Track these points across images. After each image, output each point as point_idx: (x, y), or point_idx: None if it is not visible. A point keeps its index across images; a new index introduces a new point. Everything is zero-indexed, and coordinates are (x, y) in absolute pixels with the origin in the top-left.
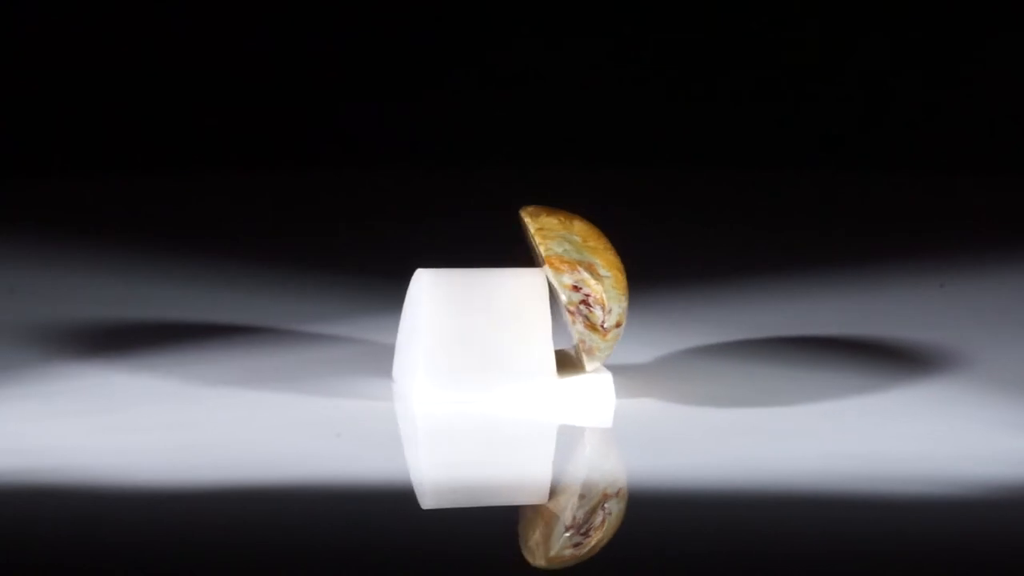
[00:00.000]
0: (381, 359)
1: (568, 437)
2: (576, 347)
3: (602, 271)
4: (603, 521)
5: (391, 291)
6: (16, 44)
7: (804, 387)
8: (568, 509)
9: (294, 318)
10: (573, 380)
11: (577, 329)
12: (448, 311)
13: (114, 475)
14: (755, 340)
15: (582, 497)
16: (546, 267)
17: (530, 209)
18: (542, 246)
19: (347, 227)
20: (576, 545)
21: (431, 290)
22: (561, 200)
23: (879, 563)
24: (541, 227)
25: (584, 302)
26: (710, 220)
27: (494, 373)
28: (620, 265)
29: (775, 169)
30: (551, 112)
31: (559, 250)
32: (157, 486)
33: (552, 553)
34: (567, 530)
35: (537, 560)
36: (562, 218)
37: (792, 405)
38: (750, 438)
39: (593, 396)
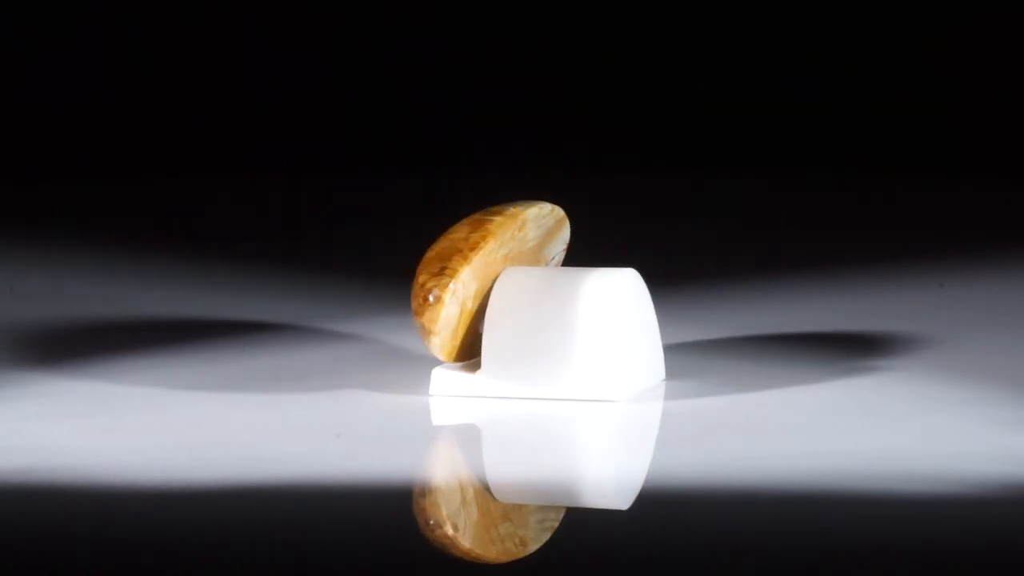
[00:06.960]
0: (382, 359)
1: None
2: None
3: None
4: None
5: (393, 292)
6: (15, 46)
7: (800, 385)
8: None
9: (294, 318)
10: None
11: None
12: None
13: (114, 475)
14: (752, 338)
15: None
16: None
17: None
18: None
19: (359, 229)
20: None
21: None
22: (563, 200)
23: (874, 561)
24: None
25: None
26: (709, 221)
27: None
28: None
29: (774, 171)
30: (551, 116)
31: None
32: (157, 486)
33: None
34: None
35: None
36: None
37: (788, 403)
38: (745, 435)
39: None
